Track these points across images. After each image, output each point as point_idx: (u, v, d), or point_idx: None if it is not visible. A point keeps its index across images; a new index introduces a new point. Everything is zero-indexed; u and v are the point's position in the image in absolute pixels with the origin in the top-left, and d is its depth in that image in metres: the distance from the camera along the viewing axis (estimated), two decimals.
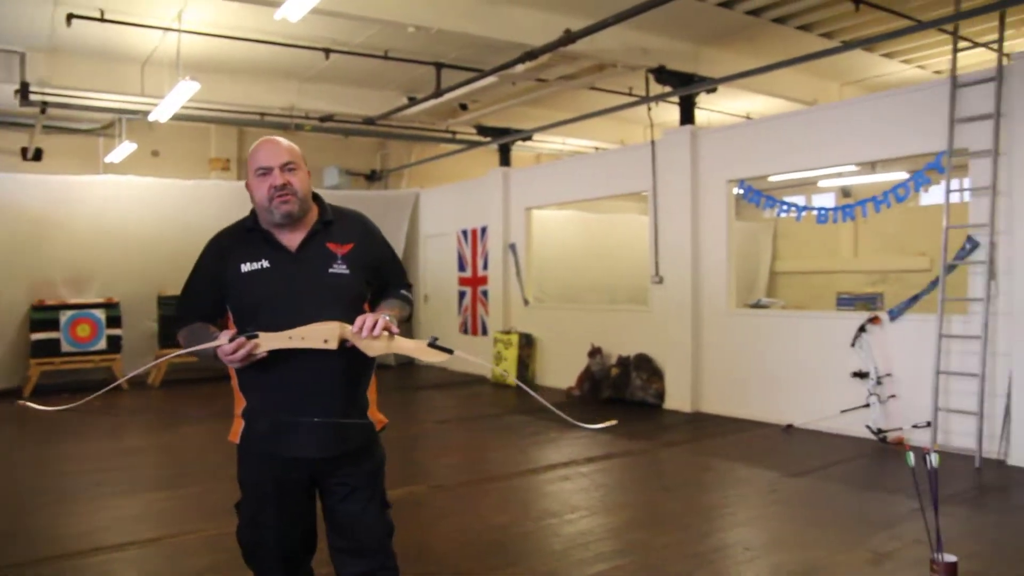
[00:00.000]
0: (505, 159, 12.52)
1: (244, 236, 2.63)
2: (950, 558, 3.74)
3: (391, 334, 2.44)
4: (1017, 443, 6.38)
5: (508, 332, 11.46)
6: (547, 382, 11.00)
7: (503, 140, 12.30)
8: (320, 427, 2.51)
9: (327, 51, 8.90)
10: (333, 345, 2.42)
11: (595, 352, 10.03)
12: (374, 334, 2.40)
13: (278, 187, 2.50)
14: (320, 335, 2.42)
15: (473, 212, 12.56)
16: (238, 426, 2.65)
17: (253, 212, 2.64)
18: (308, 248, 2.58)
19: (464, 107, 11.50)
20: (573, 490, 5.88)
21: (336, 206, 2.74)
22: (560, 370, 10.61)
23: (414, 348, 2.49)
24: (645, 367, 9.46)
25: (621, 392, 9.50)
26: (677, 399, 9.15)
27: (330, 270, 2.55)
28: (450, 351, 2.48)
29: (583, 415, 2.46)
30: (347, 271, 2.57)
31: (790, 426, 7.94)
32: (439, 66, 9.55)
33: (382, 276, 2.74)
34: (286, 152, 2.55)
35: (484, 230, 12.35)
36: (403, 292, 2.76)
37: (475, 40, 8.29)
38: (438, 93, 9.69)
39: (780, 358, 8.25)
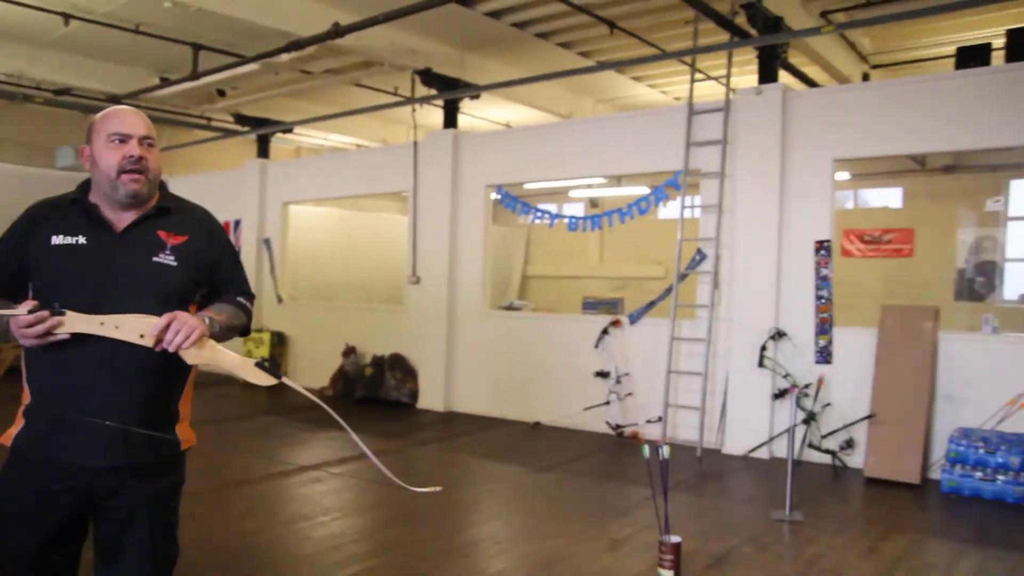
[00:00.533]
0: (263, 151, 12.03)
1: (65, 207, 2.29)
2: (675, 539, 4.11)
3: (198, 340, 2.14)
4: (731, 434, 7.16)
5: (260, 330, 11.01)
6: (299, 382, 10.51)
7: (262, 131, 11.81)
8: (109, 431, 2.16)
9: (66, 16, 8.03)
10: (149, 342, 2.11)
11: (350, 351, 9.91)
12: (170, 347, 2.11)
13: (134, 159, 2.22)
14: (136, 328, 2.12)
15: (227, 204, 11.90)
16: (16, 426, 2.25)
17: (83, 184, 2.32)
18: (135, 231, 2.27)
19: (222, 93, 10.88)
20: (325, 492, 5.77)
21: (181, 197, 2.45)
22: (313, 369, 10.36)
23: (239, 365, 2.22)
24: (400, 367, 9.50)
25: (375, 392, 9.47)
26: (431, 398, 9.28)
27: (154, 259, 2.25)
28: (278, 377, 2.26)
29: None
30: (174, 263, 2.28)
31: (538, 423, 8.32)
32: (196, 47, 8.97)
33: (216, 279, 2.44)
34: (146, 125, 2.29)
35: (237, 223, 11.78)
36: (240, 299, 2.48)
37: (237, 23, 7.86)
38: (194, 76, 9.10)
39: (530, 358, 8.63)
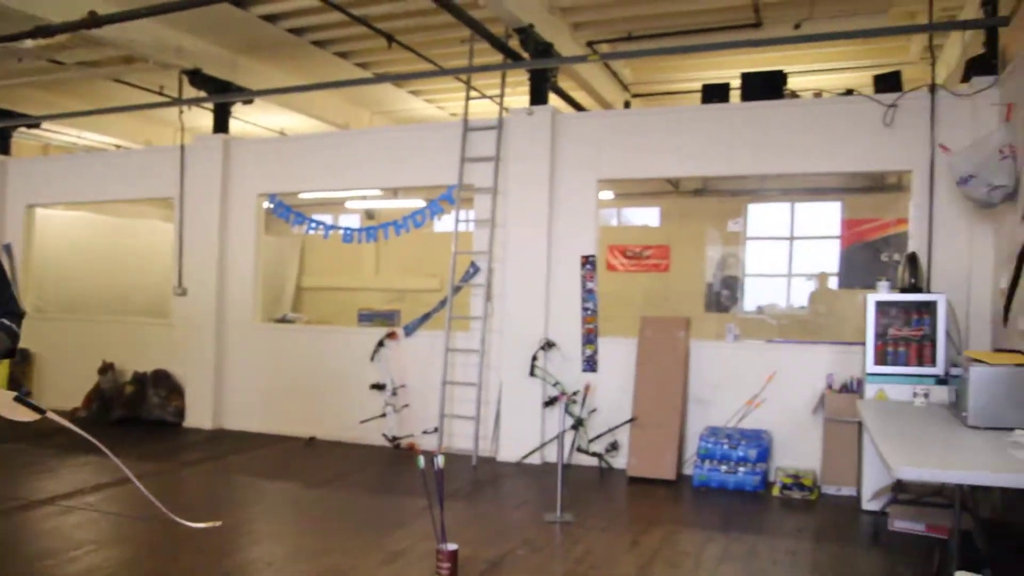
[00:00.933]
0: (3, 146, 10.83)
1: None
2: (452, 546, 4.21)
3: None
4: (504, 442, 7.40)
5: None
6: (47, 403, 9.64)
7: (2, 124, 10.64)
8: None
9: None
10: None
11: (107, 368, 9.18)
12: None
13: None
14: None
15: None
16: None
17: None
18: None
19: None
20: (78, 523, 5.29)
21: None
22: (64, 389, 9.45)
23: None
24: (164, 383, 8.93)
25: (136, 411, 8.83)
26: (198, 416, 8.79)
27: None
28: (43, 412, 1.98)
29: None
30: None
31: (313, 438, 8.14)
32: None
33: None
34: None
35: None
36: (4, 320, 2.13)
37: None
38: None
39: (304, 372, 8.43)
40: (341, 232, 8.55)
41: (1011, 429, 3.99)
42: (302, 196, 10.48)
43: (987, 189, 5.48)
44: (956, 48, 7.66)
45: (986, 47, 6.19)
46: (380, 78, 9.10)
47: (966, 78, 6.33)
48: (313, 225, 8.78)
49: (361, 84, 8.81)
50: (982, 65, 6.18)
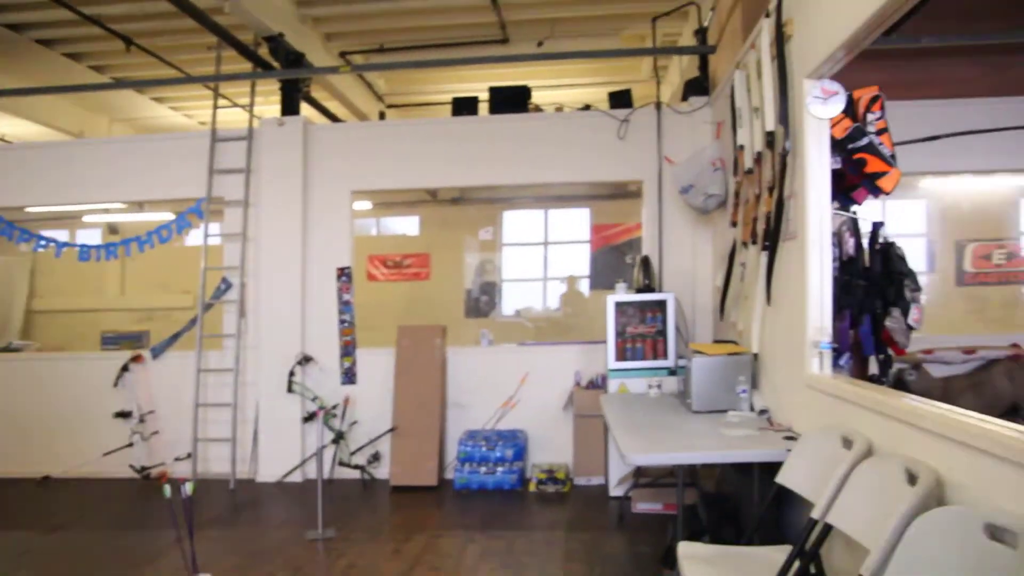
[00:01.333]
0: None
1: None
2: None
3: None
4: (263, 462, 7.19)
5: None
6: None
7: None
8: None
9: None
10: None
11: None
12: None
13: None
14: None
15: None
16: None
17: None
18: None
19: None
20: None
21: None
22: None
23: None
24: None
25: None
26: None
27: None
28: None
29: None
30: None
31: (47, 478, 7.43)
32: None
33: None
34: None
35: None
36: None
37: None
38: None
39: (35, 405, 7.67)
40: (77, 249, 7.89)
41: (725, 411, 4.51)
42: (30, 210, 9.50)
43: (703, 197, 6.13)
44: (678, 71, 8.48)
45: (700, 71, 6.91)
46: (119, 83, 8.52)
47: (685, 97, 7.03)
48: (42, 243, 8.03)
49: (96, 89, 8.17)
50: (697, 87, 6.90)
